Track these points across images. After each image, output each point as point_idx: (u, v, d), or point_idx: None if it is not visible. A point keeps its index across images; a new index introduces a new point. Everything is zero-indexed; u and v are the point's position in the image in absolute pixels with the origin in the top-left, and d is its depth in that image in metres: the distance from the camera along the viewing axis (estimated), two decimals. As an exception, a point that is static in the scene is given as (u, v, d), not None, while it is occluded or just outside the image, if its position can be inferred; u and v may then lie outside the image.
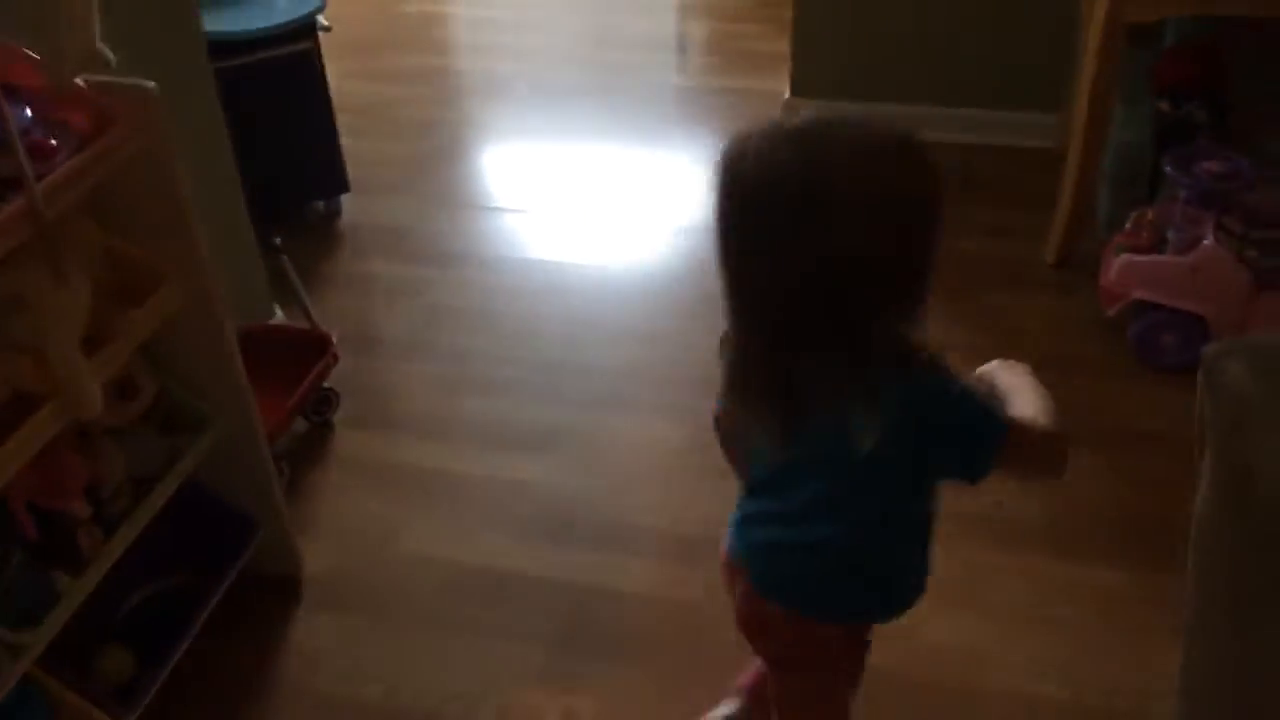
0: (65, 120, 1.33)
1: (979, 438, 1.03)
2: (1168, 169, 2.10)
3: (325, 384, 2.14)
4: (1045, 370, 2.25)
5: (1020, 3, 2.72)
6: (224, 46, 2.27)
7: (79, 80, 1.32)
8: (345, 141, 2.74)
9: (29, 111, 1.30)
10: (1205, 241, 2.06)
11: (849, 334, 0.97)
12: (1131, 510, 1.88)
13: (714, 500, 1.96)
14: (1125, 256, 2.17)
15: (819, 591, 1.15)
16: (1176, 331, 2.13)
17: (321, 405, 2.15)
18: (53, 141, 1.30)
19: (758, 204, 0.95)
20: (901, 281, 0.97)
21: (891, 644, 1.69)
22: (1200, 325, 2.11)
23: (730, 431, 1.20)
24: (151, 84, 1.38)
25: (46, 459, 1.33)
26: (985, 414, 1.03)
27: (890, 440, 0.98)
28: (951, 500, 1.90)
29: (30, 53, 1.29)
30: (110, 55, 1.30)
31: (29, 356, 1.30)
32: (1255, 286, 2.06)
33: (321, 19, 2.56)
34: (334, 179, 2.75)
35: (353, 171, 2.77)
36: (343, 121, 2.74)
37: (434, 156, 3.08)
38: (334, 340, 2.14)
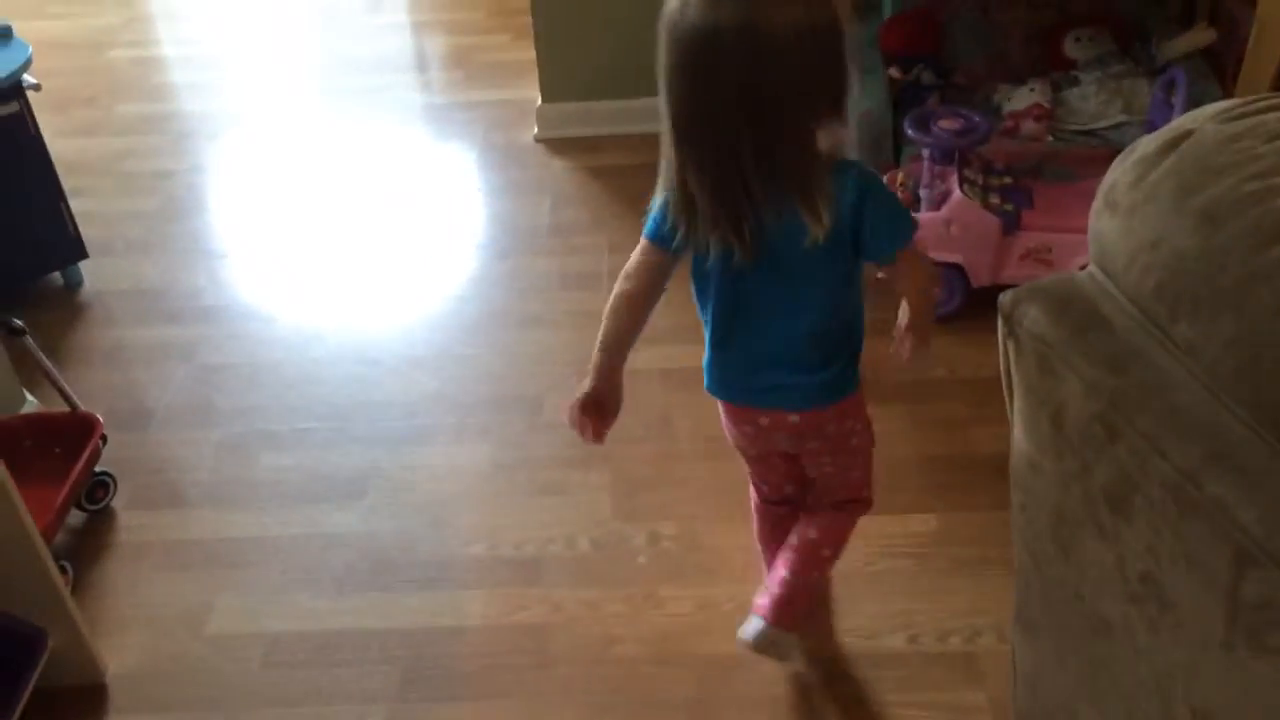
0: None
1: (902, 217, 1.30)
2: (909, 131, 2.21)
3: (97, 469, 1.97)
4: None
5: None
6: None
7: None
8: (75, 204, 2.53)
9: None
10: (954, 195, 2.19)
11: (797, 140, 1.18)
12: (929, 458, 1.98)
13: (535, 516, 1.94)
14: (885, 219, 2.28)
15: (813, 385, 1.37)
16: (941, 283, 2.26)
17: (96, 492, 1.98)
18: None
19: (701, 47, 1.13)
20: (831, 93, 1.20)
21: (733, 632, 1.70)
22: (961, 274, 2.24)
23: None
24: None
25: None
26: (901, 204, 1.38)
27: (833, 228, 1.20)
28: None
29: None
30: None
31: None
32: (1001, 230, 2.22)
33: (28, 76, 2.35)
34: (68, 246, 2.54)
35: (89, 235, 2.56)
36: (69, 183, 2.52)
37: (174, 208, 2.89)
38: (100, 420, 1.98)
